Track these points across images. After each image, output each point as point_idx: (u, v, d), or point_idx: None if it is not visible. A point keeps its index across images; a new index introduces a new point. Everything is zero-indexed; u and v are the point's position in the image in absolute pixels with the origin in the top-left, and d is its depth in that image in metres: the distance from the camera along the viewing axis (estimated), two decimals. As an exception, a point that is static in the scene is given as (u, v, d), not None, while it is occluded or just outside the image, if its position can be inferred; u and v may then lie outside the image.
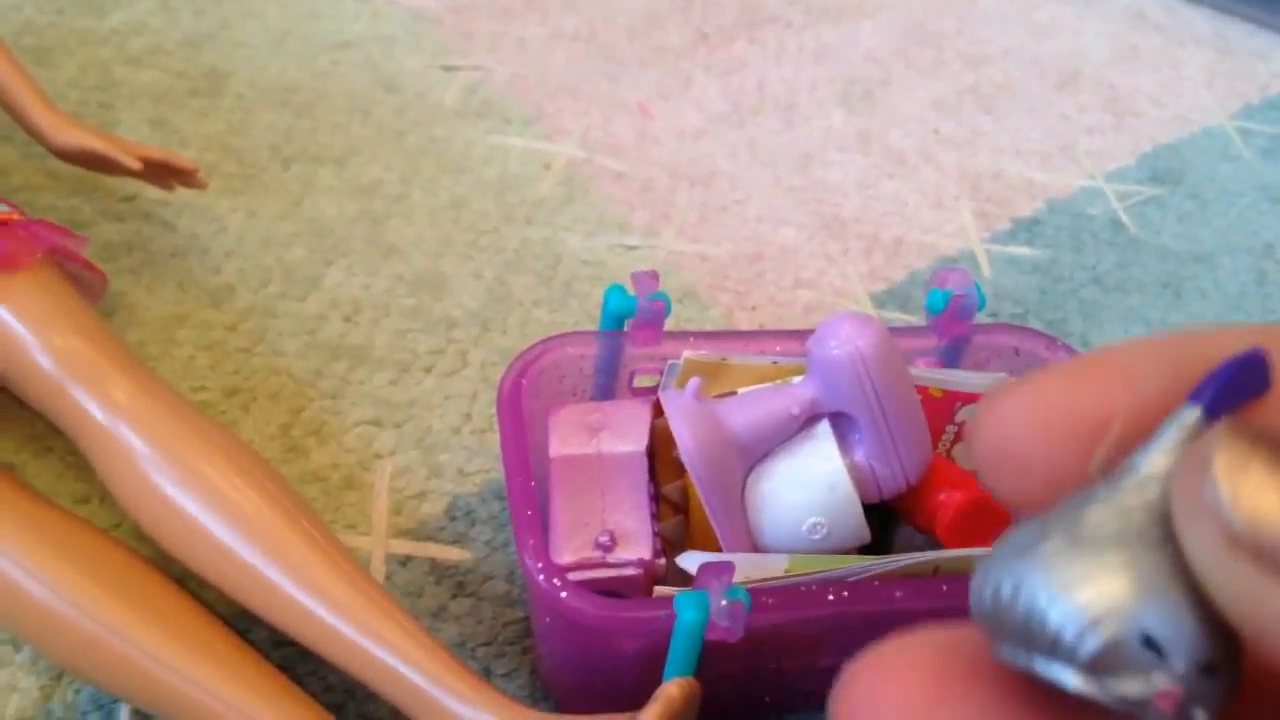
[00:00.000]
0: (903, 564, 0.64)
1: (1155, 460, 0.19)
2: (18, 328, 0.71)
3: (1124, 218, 1.14)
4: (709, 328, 0.96)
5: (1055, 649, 0.18)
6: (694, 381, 0.65)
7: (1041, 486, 0.21)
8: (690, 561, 0.66)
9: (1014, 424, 0.21)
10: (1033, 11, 1.40)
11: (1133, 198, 1.16)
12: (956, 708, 0.21)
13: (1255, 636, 0.18)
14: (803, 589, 0.62)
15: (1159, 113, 1.28)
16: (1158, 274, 1.08)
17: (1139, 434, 0.20)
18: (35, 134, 0.85)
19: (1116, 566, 0.18)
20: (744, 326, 0.97)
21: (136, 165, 0.84)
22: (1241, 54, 1.39)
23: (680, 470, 0.75)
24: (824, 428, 0.66)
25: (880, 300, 1.01)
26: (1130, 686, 0.18)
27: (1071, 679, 0.18)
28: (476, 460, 0.83)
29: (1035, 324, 1.01)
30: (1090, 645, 0.18)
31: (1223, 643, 0.18)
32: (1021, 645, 0.19)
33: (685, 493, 0.74)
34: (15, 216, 0.76)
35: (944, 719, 0.21)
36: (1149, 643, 0.17)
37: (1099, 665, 0.18)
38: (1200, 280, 1.08)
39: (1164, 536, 0.18)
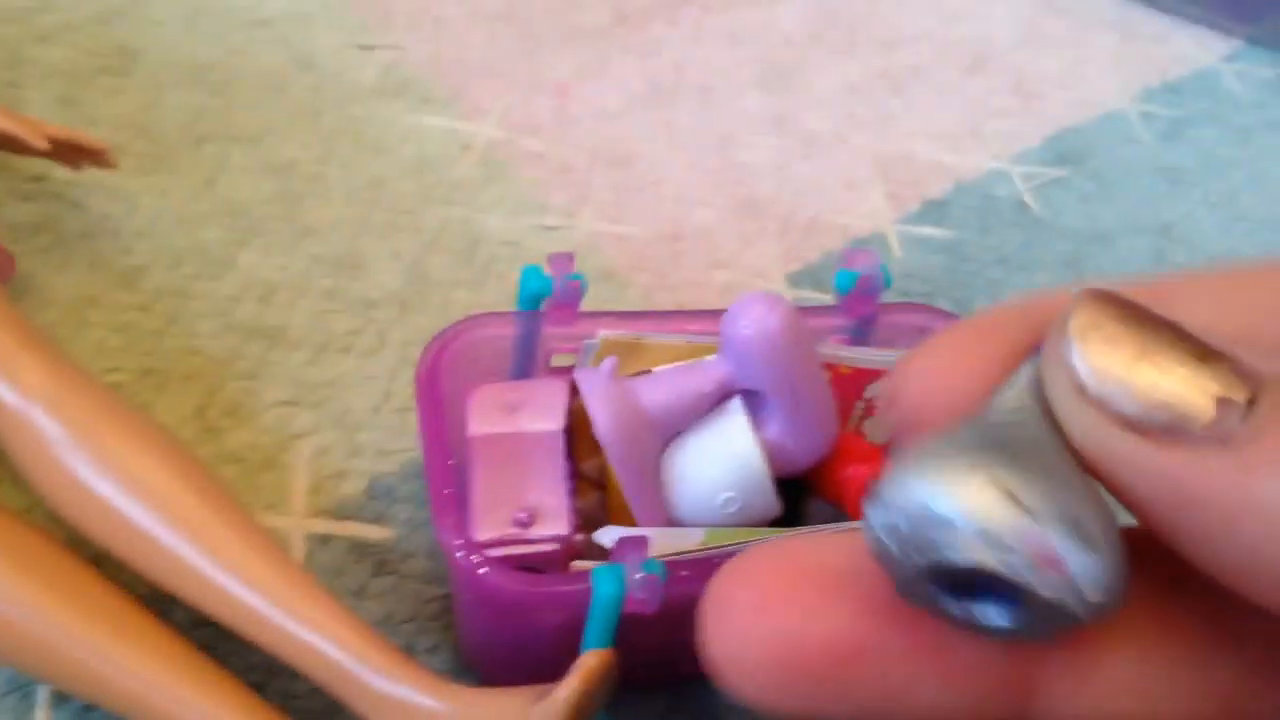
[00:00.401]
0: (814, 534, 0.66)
1: (1010, 396, 0.22)
2: (-77, 311, 0.70)
3: (1028, 199, 1.17)
4: (628, 308, 0.97)
5: (944, 549, 0.20)
6: (609, 360, 0.67)
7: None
8: (608, 537, 0.67)
9: (916, 393, 0.23)
10: (944, -4, 1.44)
11: (1037, 179, 1.19)
12: (815, 608, 0.22)
13: (1111, 485, 0.20)
14: (716, 560, 0.64)
15: (1064, 96, 1.32)
16: (1060, 253, 1.11)
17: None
18: (-62, 112, 0.83)
19: (987, 466, 0.20)
20: (662, 306, 0.98)
21: (44, 145, 0.82)
22: (1143, 38, 1.43)
23: (598, 448, 0.76)
24: (736, 404, 0.68)
25: (795, 280, 1.03)
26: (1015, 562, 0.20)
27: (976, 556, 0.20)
28: (397, 440, 0.83)
29: (943, 302, 1.03)
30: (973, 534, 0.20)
31: (1102, 519, 0.20)
32: (916, 554, 0.20)
33: (603, 470, 0.75)
34: (-81, 196, 0.75)
35: (798, 615, 0.22)
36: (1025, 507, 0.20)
37: (988, 543, 0.20)
38: (1101, 259, 1.12)
39: (1032, 437, 0.21)
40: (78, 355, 0.83)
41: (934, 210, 1.13)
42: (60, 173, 0.94)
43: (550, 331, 0.74)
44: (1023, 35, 1.39)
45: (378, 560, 0.76)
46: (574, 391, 0.74)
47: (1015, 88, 1.31)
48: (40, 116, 0.99)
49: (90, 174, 0.93)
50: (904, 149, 1.19)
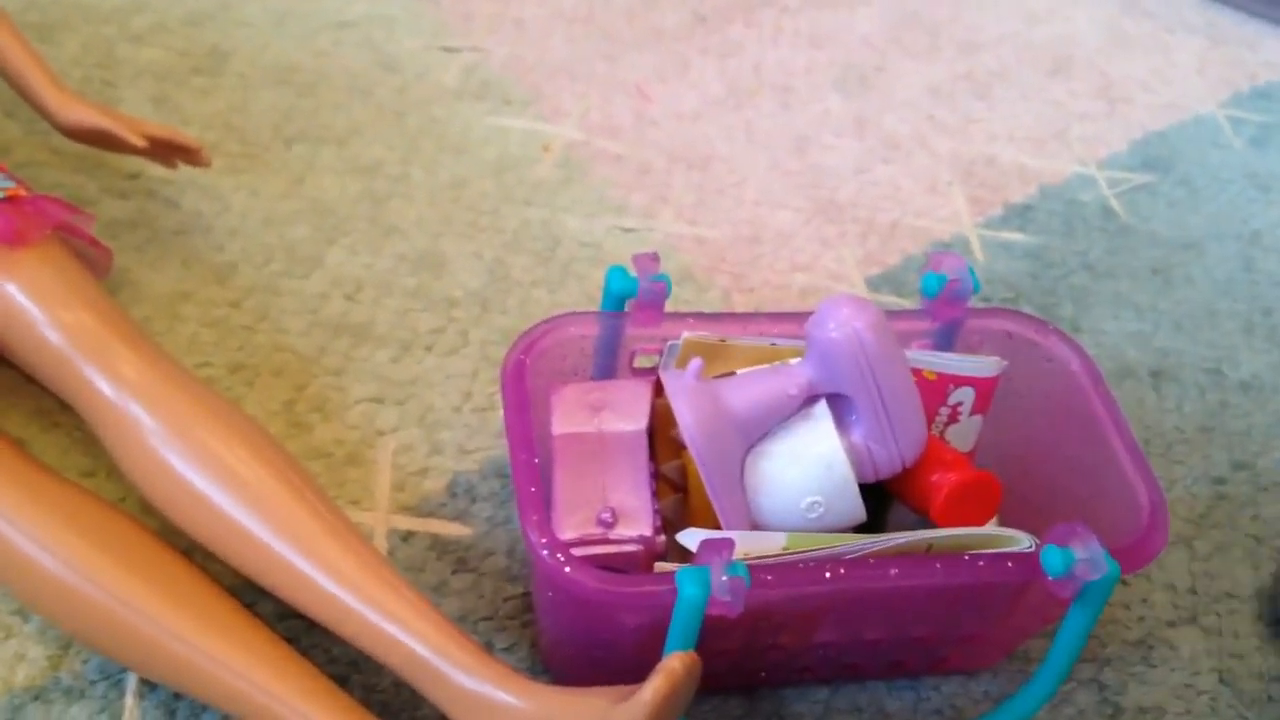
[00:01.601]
0: (897, 542, 0.66)
1: None
2: (26, 303, 0.72)
3: (1115, 204, 1.15)
4: (707, 310, 0.97)
5: None
6: (695, 362, 0.67)
7: None
8: (690, 539, 0.67)
9: None
10: (1027, -2, 1.42)
11: (1123, 184, 1.17)
12: None
13: None
14: (801, 566, 0.64)
15: (1150, 99, 1.30)
16: (1147, 260, 1.10)
17: None
18: (42, 111, 0.85)
19: None
20: (741, 309, 0.98)
21: (142, 143, 0.84)
22: (1232, 42, 1.41)
23: (679, 449, 0.77)
24: (822, 408, 0.68)
25: (875, 284, 1.03)
26: None
27: None
28: (477, 438, 0.84)
29: (1027, 308, 1.02)
30: None
31: None
32: None
33: (684, 471, 0.75)
34: (23, 193, 0.77)
35: None
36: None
37: None
38: (1189, 267, 1.10)
39: None
40: (171, 348, 0.85)
41: (1017, 215, 1.11)
42: (155, 170, 0.96)
43: (633, 332, 0.74)
44: (1107, 38, 1.37)
45: (458, 557, 0.77)
46: (656, 392, 0.74)
47: (1100, 91, 1.29)
48: (134, 114, 1.02)
49: (184, 172, 0.95)
50: (986, 152, 1.18)
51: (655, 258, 0.73)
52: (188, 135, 0.88)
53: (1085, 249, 1.09)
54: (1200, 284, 1.08)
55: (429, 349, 0.89)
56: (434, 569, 0.77)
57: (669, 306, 0.94)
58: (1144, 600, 0.84)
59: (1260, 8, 1.44)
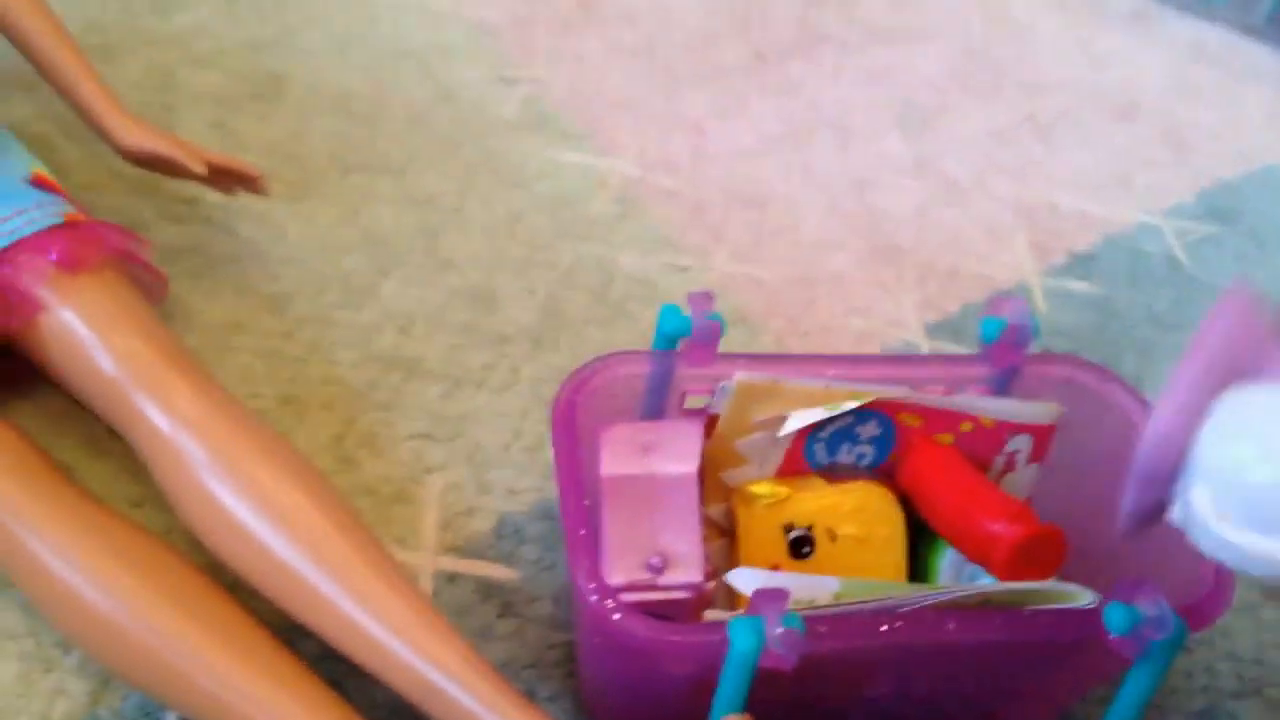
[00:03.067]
0: (951, 596, 0.64)
1: None
2: (81, 329, 0.71)
3: (1181, 255, 1.12)
4: (761, 352, 0.95)
5: None
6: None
7: None
8: (741, 580, 0.65)
9: None
10: (1091, 42, 1.40)
11: (1190, 235, 1.15)
12: None
13: None
14: (856, 618, 0.62)
15: (1218, 148, 1.27)
16: (1215, 312, 1.07)
17: None
18: (103, 134, 0.86)
19: None
20: (795, 352, 0.97)
21: (203, 169, 0.84)
22: (1304, 91, 1.38)
23: (727, 492, 0.75)
24: None
25: (933, 331, 1.01)
26: None
27: None
28: (526, 478, 0.83)
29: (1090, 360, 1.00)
30: None
31: None
32: None
33: (732, 515, 0.74)
34: (81, 218, 0.77)
35: None
36: None
37: None
38: (1258, 320, 1.07)
39: None
40: (222, 380, 0.84)
41: (1081, 263, 1.09)
42: (210, 197, 0.96)
43: (685, 372, 0.73)
44: (1174, 84, 1.35)
45: (503, 601, 0.76)
46: (707, 433, 0.73)
47: (1166, 138, 1.27)
48: (192, 139, 1.02)
49: (240, 199, 0.95)
50: (1049, 198, 1.16)
51: (710, 296, 0.72)
52: (248, 163, 0.88)
53: (1150, 300, 1.07)
54: (1270, 338, 1.05)
55: (479, 385, 0.88)
56: (479, 613, 0.76)
57: (722, 348, 0.93)
58: (1207, 669, 0.81)
59: (1332, 56, 1.41)
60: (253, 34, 1.16)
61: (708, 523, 0.75)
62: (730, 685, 0.59)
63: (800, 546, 0.72)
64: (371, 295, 0.93)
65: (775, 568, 0.71)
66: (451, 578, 0.77)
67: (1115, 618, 0.61)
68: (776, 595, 0.59)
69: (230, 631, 0.65)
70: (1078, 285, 1.07)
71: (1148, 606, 0.61)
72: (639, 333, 0.94)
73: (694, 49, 1.27)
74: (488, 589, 0.77)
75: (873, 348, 0.99)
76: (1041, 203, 1.16)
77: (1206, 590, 0.66)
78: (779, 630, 0.57)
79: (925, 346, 0.98)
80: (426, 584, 0.76)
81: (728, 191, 1.11)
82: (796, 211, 1.10)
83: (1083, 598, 0.65)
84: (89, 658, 0.67)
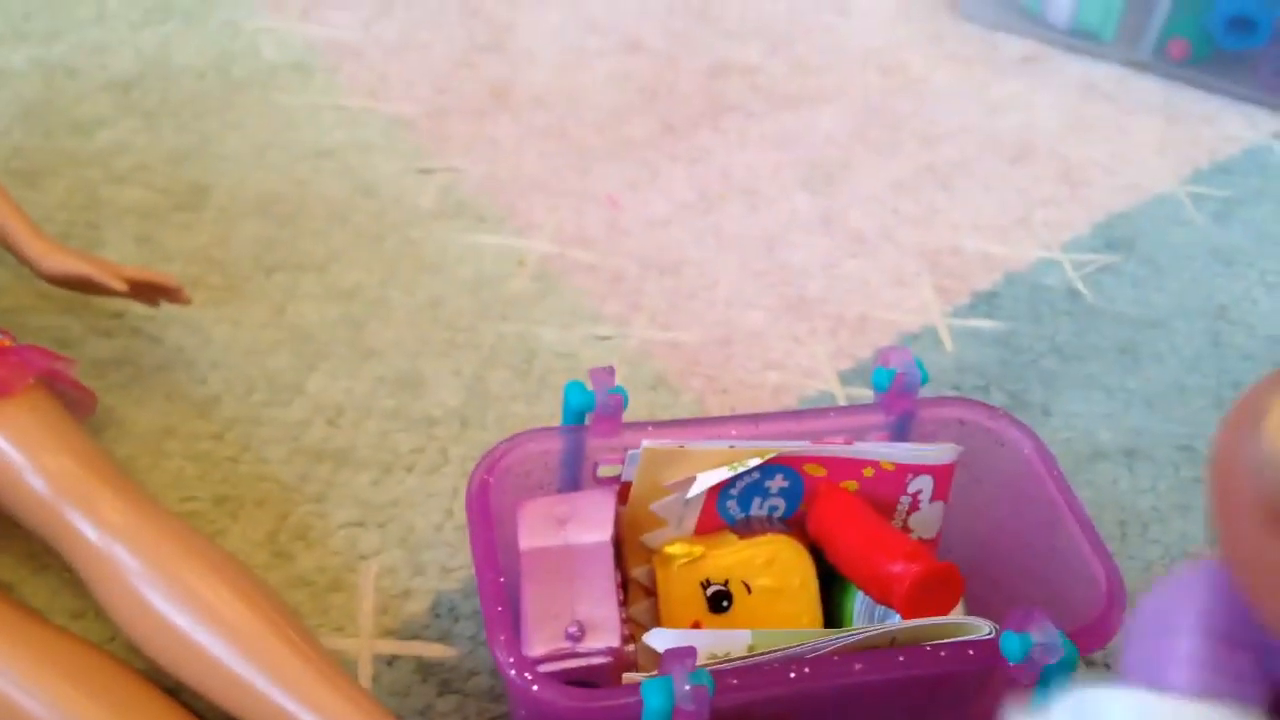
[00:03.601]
0: (860, 637, 0.67)
1: None
2: (11, 452, 0.74)
3: (1080, 286, 1.17)
4: (681, 414, 0.99)
5: None
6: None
7: None
8: (657, 640, 0.68)
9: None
10: (986, 88, 1.46)
11: (1088, 266, 1.20)
12: None
13: None
14: (764, 668, 0.65)
15: (1111, 181, 1.33)
16: (1115, 340, 1.12)
17: None
18: (24, 260, 0.89)
19: None
20: (715, 411, 1.00)
21: (122, 287, 0.88)
22: (1190, 119, 1.44)
23: (648, 555, 0.78)
24: None
25: (847, 378, 1.05)
26: None
27: None
28: (459, 556, 0.86)
29: (997, 394, 1.04)
30: None
31: None
32: None
33: (653, 576, 0.77)
34: (7, 343, 0.80)
35: None
36: None
37: None
38: (1157, 345, 1.12)
39: None
40: (156, 484, 0.87)
41: (984, 302, 1.14)
42: (138, 309, 0.99)
43: (595, 444, 0.76)
44: (1067, 123, 1.41)
45: (442, 679, 0.78)
46: (620, 500, 0.76)
47: (1062, 176, 1.32)
48: (118, 254, 1.06)
49: (166, 309, 0.98)
50: (951, 242, 1.21)
51: (611, 371, 0.75)
52: (166, 275, 0.91)
53: (1053, 332, 1.11)
54: (1169, 361, 1.10)
55: (410, 469, 0.91)
56: (419, 692, 0.78)
57: (645, 413, 0.96)
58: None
59: (1216, 83, 1.48)
60: (172, 145, 1.20)
61: (633, 585, 0.78)
62: (652, 748, 0.62)
63: (719, 601, 0.75)
64: (298, 391, 0.96)
65: (696, 624, 0.74)
66: (390, 660, 0.79)
67: (1010, 646, 0.65)
68: (684, 654, 0.62)
69: (171, 733, 0.67)
70: (983, 323, 1.12)
71: (1038, 633, 0.65)
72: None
73: (604, 126, 1.32)
74: (426, 668, 0.79)
75: (790, 399, 1.02)
76: (945, 246, 1.20)
77: (1099, 612, 0.70)
78: (687, 688, 0.61)
79: (840, 394, 1.02)
80: (366, 668, 0.79)
81: (643, 260, 1.15)
82: (710, 274, 1.14)
83: (981, 629, 0.68)
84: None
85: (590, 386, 0.75)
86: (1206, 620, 0.21)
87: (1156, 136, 1.41)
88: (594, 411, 0.75)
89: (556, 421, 0.76)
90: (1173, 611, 0.22)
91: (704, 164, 1.29)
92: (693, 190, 1.25)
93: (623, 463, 0.77)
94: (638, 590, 0.78)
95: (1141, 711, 0.20)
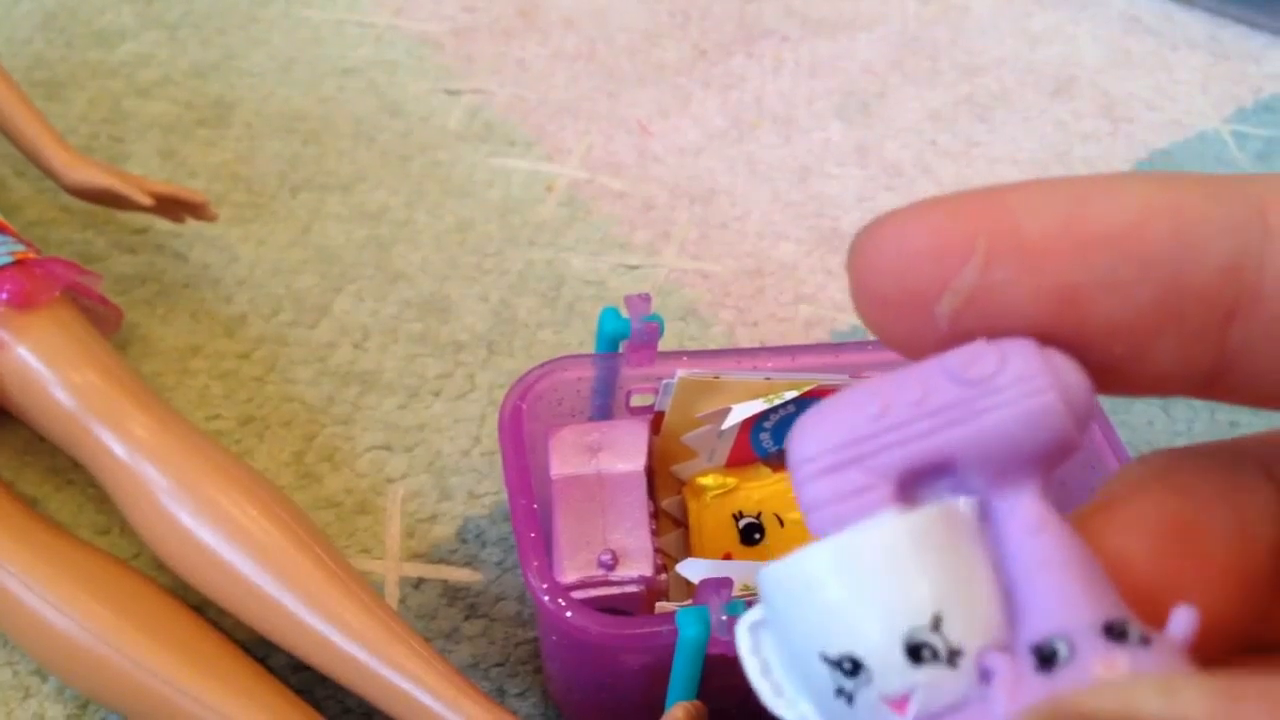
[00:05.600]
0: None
1: None
2: (37, 366, 0.73)
3: (1119, 224, 1.15)
4: (711, 346, 0.98)
5: None
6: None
7: (905, 327, 0.21)
8: (690, 569, 0.68)
9: (878, 254, 0.21)
10: (1027, 19, 1.42)
11: (1128, 204, 1.17)
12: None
13: None
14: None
15: (1154, 118, 1.29)
16: (1153, 279, 1.09)
17: (1006, 269, 0.20)
18: (48, 172, 0.87)
19: None
20: (745, 343, 0.99)
21: (148, 201, 0.86)
22: (1235, 57, 1.40)
23: (677, 485, 0.77)
24: None
25: (879, 312, 1.03)
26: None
27: None
28: (486, 482, 0.85)
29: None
30: None
31: None
32: None
33: (684, 507, 0.76)
34: (32, 255, 0.79)
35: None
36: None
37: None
38: (1195, 285, 1.10)
39: None
40: (181, 403, 0.86)
41: (1020, 238, 1.11)
42: (163, 225, 0.98)
43: (629, 372, 0.75)
44: (1110, 56, 1.37)
45: (469, 604, 0.78)
46: (653, 429, 0.75)
47: (1103, 111, 1.29)
48: (142, 169, 1.04)
49: (192, 225, 0.97)
50: (989, 176, 1.18)
51: (647, 298, 0.74)
52: (193, 191, 0.89)
53: (1090, 270, 1.09)
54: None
55: (436, 395, 0.90)
56: (446, 615, 0.78)
57: (674, 343, 0.95)
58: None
59: (1264, 20, 1.44)
60: (196, 60, 1.17)
61: (662, 516, 0.77)
62: (682, 674, 0.61)
63: (751, 534, 0.74)
64: (325, 312, 0.95)
65: (728, 556, 0.74)
66: (417, 583, 0.79)
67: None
68: (720, 584, 0.61)
69: (202, 653, 0.67)
70: (1019, 261, 1.10)
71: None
72: (591, 333, 0.96)
73: (635, 49, 1.29)
74: (453, 592, 0.79)
75: (821, 333, 1.01)
76: (982, 181, 1.18)
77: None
78: (723, 618, 0.60)
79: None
80: (393, 591, 0.78)
81: (674, 189, 1.13)
82: (742, 204, 1.12)
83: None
84: (66, 683, 0.69)
85: (625, 313, 0.74)
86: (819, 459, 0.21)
87: (1200, 72, 1.37)
88: (628, 339, 0.74)
89: (584, 350, 0.75)
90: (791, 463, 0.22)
91: (737, 91, 1.26)
92: (725, 118, 1.22)
93: (656, 392, 0.75)
94: (667, 521, 0.77)
95: (841, 553, 0.20)
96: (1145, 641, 0.19)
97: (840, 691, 0.20)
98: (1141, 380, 0.21)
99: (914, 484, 0.21)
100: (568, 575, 0.67)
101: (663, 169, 1.15)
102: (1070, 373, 0.21)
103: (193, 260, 0.97)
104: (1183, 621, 0.20)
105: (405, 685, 0.63)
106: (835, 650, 0.20)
